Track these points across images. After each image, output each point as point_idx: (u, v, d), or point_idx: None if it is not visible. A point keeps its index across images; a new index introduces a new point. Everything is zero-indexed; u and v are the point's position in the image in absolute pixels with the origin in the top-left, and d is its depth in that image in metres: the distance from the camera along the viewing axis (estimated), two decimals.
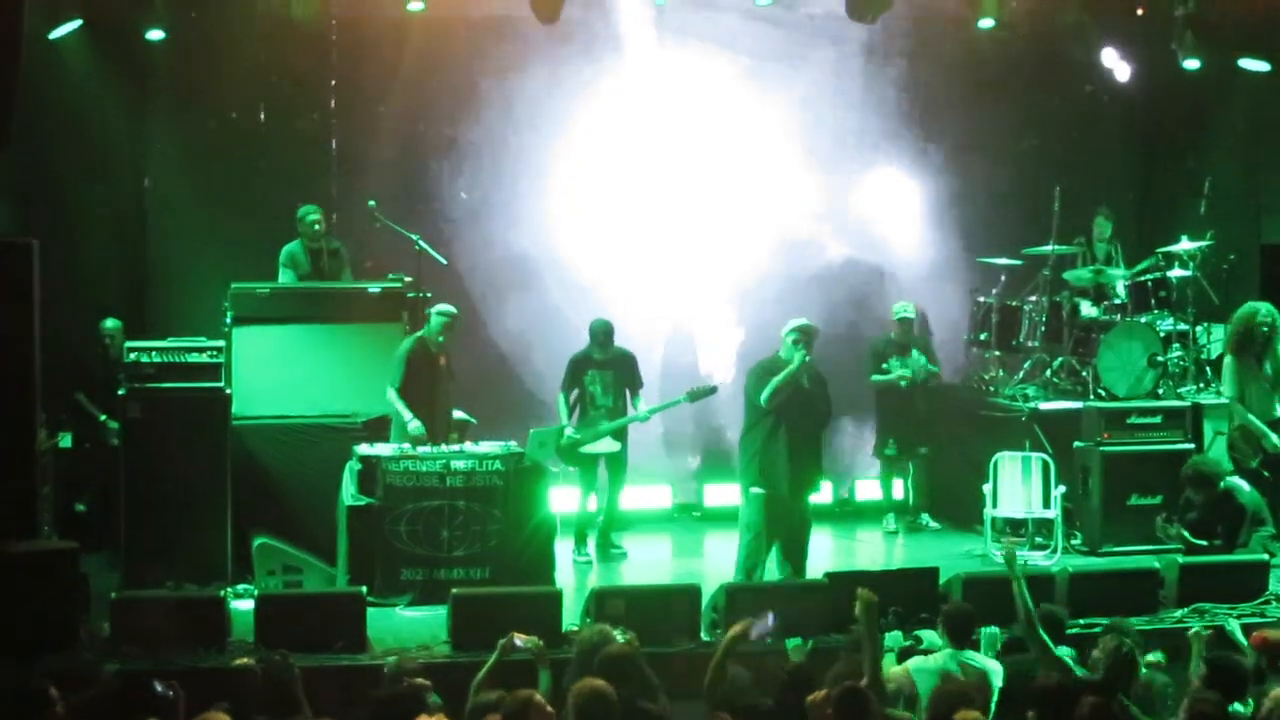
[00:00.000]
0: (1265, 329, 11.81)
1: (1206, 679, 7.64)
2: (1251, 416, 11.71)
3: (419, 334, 11.66)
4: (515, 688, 7.29)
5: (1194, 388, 13.53)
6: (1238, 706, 7.43)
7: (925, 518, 13.56)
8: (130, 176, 13.63)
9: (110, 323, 12.64)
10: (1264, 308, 11.88)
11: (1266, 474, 11.73)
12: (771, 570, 10.85)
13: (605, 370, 12.43)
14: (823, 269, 14.28)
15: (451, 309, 11.70)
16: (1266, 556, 11.15)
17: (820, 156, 14.28)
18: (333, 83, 13.97)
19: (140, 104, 13.53)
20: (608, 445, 12.44)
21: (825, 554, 11.44)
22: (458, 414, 11.86)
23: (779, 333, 10.93)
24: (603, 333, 12.42)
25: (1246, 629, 9.65)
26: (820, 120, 14.24)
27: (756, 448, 10.79)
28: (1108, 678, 7.61)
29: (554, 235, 13.96)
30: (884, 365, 13.37)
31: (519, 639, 7.94)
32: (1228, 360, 11.96)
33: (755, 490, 10.79)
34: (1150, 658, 8.68)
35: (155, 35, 12.91)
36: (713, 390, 12.65)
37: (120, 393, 11.04)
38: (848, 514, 14.20)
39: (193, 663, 9.12)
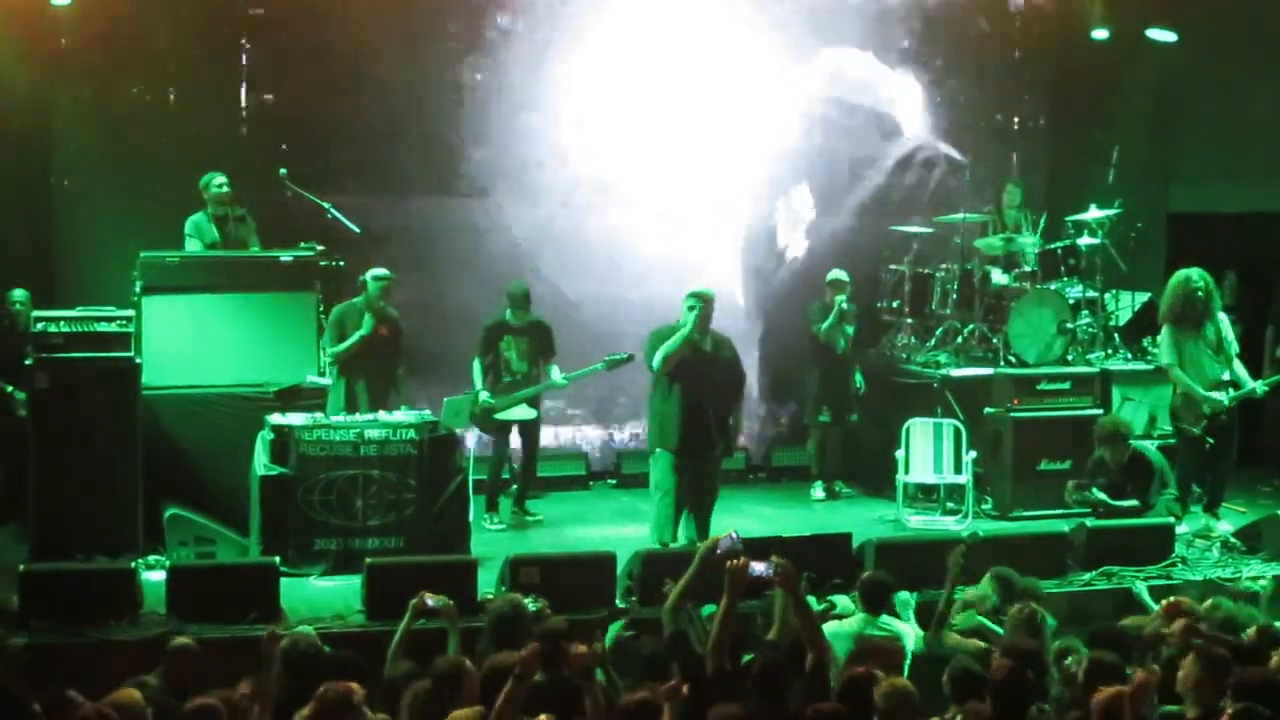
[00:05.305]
0: (1201, 294, 11.72)
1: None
2: (1192, 382, 11.65)
3: (354, 300, 11.77)
4: (429, 656, 7.30)
5: (1102, 354, 13.71)
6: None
7: (839, 484, 13.66)
8: (37, 143, 13.38)
9: (18, 292, 12.42)
10: (1195, 274, 11.76)
11: (1210, 440, 11.74)
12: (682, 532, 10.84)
13: (521, 337, 12.38)
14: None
15: (385, 271, 11.78)
16: (1172, 519, 11.33)
17: None
18: (243, 44, 13.84)
19: (48, 69, 13.28)
20: (523, 411, 12.42)
21: (739, 520, 11.46)
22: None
23: None
24: (521, 296, 12.39)
25: (1154, 591, 9.86)
26: None
27: (656, 409, 10.85)
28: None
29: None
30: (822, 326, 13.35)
31: (430, 598, 7.96)
32: (1165, 329, 11.85)
33: (660, 451, 10.83)
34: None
35: (60, 0, 12.72)
36: (629, 358, 12.63)
37: (28, 363, 10.87)
38: (762, 480, 14.29)
39: (104, 635, 9.04)
